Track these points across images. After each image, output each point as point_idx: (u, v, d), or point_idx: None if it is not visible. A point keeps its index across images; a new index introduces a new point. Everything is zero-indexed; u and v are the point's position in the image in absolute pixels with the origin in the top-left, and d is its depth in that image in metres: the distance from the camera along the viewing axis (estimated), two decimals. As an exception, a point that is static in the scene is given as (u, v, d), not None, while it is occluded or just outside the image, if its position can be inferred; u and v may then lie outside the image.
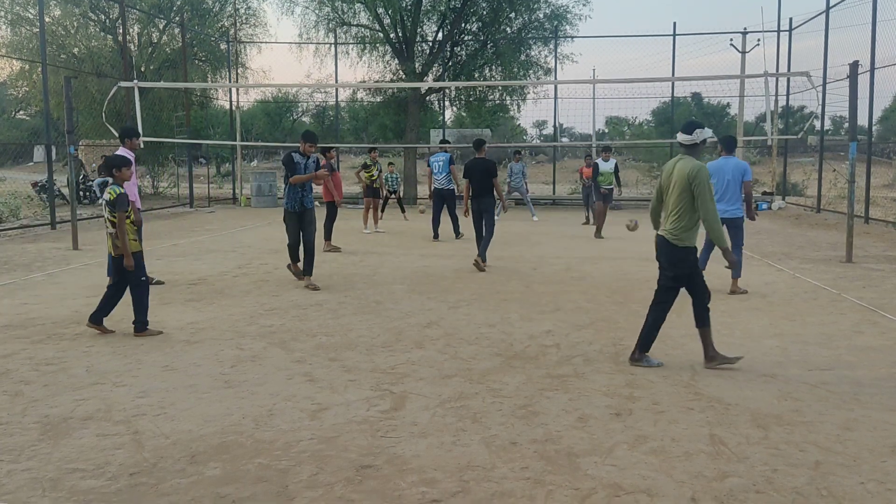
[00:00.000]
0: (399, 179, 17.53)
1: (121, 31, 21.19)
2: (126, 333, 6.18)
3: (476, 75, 23.84)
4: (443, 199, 13.33)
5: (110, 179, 6.29)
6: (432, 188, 13.46)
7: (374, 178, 14.24)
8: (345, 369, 5.20)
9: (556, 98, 23.32)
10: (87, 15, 24.88)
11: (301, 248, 8.59)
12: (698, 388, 4.79)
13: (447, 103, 25.41)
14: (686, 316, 6.98)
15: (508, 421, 4.18)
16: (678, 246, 5.22)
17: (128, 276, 6.18)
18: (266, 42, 28.74)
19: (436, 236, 13.37)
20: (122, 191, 6.19)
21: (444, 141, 15.30)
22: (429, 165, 13.65)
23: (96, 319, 6.21)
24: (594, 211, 17.43)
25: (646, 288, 8.42)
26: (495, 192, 9.91)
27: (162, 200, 22.02)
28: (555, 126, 26.79)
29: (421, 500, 3.24)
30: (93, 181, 20.70)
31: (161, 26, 25.70)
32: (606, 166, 14.40)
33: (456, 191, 13.59)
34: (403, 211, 17.53)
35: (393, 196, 16.91)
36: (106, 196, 6.18)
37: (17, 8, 23.50)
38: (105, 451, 3.75)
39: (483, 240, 9.92)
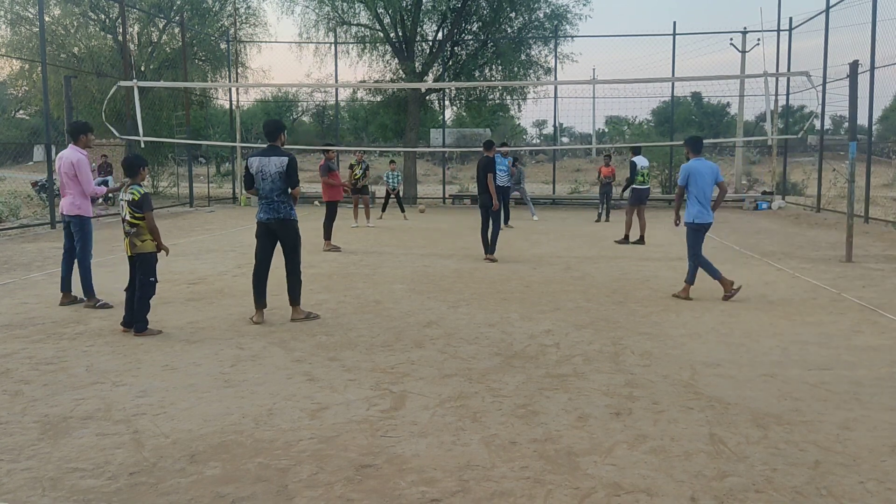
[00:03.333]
0: (399, 178, 17.60)
1: (121, 30, 21.18)
2: (125, 333, 6.19)
3: (476, 75, 23.84)
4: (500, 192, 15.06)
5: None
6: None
7: (357, 177, 15.10)
8: (345, 369, 5.20)
9: (556, 97, 23.35)
10: (86, 14, 24.88)
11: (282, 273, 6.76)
12: (698, 387, 4.80)
13: (447, 103, 25.42)
14: (686, 315, 7.00)
15: (508, 420, 4.18)
16: None
17: (137, 275, 6.21)
18: (266, 41, 28.73)
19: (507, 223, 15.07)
20: (145, 191, 6.27)
21: (503, 144, 16.57)
22: None
23: (128, 324, 6.24)
24: (608, 210, 17.41)
25: (645, 288, 8.43)
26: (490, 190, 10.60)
27: (162, 200, 22.01)
28: (555, 126, 26.82)
29: (421, 499, 3.24)
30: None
31: (161, 26, 25.70)
32: (644, 162, 13.59)
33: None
34: (403, 210, 17.55)
35: (393, 194, 16.95)
36: (128, 196, 6.20)
37: (17, 7, 23.51)
38: (105, 450, 3.75)
39: (490, 237, 10.57)
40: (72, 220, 7.39)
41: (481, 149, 16.46)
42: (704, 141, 8.99)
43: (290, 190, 6.57)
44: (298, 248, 6.75)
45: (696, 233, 7.81)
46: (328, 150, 12.65)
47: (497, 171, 14.65)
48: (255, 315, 6.65)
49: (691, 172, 7.75)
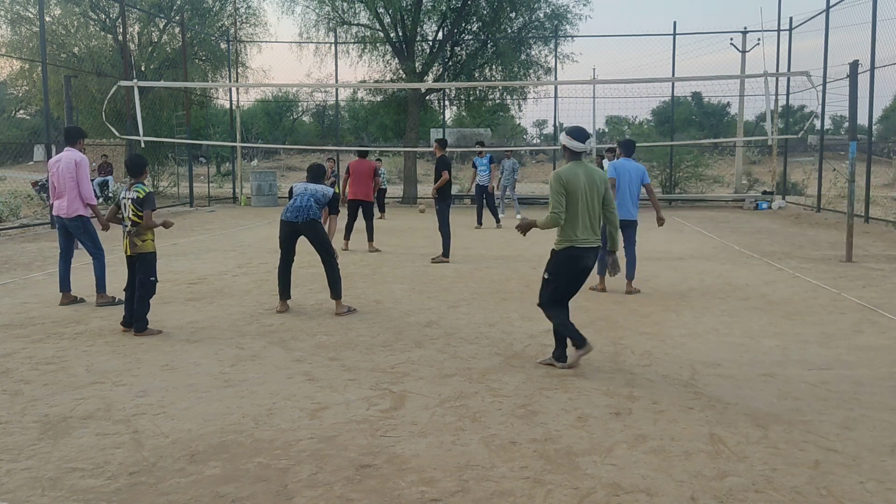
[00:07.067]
0: (384, 176, 17.74)
1: (121, 30, 21.15)
2: (125, 332, 6.19)
3: (476, 75, 23.83)
4: (483, 192, 15.82)
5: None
6: (475, 183, 15.94)
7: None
8: (344, 368, 5.20)
9: (556, 97, 23.31)
10: (87, 14, 24.87)
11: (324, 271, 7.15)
12: (698, 387, 4.80)
13: (447, 103, 25.41)
14: (686, 315, 7.00)
15: (508, 420, 4.18)
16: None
17: (138, 274, 6.21)
18: (266, 41, 28.72)
19: (479, 224, 15.67)
20: (150, 190, 6.31)
21: (479, 143, 17.31)
22: (474, 166, 16.00)
23: (128, 323, 6.23)
24: None
25: (646, 287, 8.43)
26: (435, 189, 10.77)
27: (162, 199, 21.95)
28: (555, 125, 26.78)
29: (420, 499, 3.24)
30: (93, 181, 20.69)
31: (161, 25, 25.69)
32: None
33: (496, 187, 16.17)
34: (383, 210, 17.41)
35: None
36: (132, 194, 6.21)
37: (18, 7, 23.50)
38: (104, 450, 3.75)
39: (449, 239, 10.58)
40: (71, 222, 7.36)
41: (480, 149, 16.46)
42: (705, 140, 9.27)
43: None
44: (326, 241, 7.04)
45: None
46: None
47: (479, 172, 15.80)
48: (279, 305, 7.12)
49: (618, 167, 8.15)
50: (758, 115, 30.47)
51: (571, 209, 5.02)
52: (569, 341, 5.18)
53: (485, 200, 15.85)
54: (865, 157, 16.64)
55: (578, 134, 5.11)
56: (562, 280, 5.15)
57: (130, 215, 6.20)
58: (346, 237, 11.80)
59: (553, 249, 5.20)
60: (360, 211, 11.77)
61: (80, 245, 7.67)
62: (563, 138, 5.16)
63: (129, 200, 6.22)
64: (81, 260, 7.87)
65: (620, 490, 3.31)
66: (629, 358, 5.50)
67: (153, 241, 6.31)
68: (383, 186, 16.98)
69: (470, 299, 7.75)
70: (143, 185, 6.31)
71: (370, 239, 11.73)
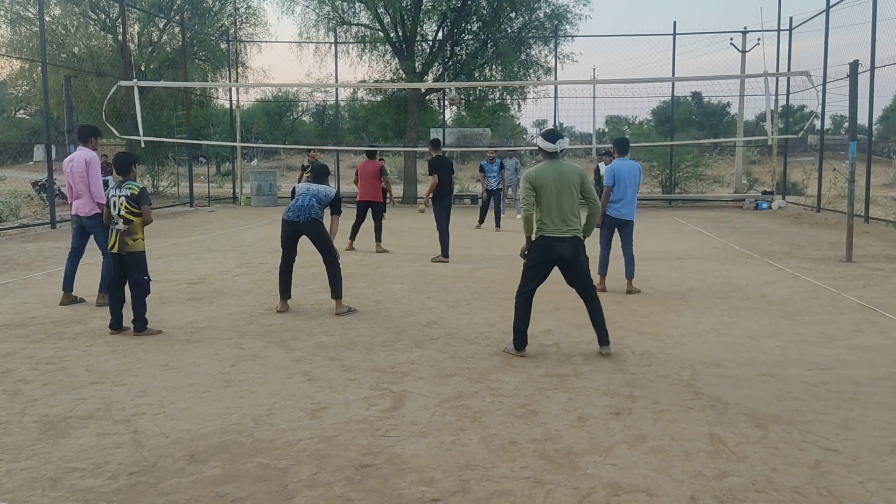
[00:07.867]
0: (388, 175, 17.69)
1: (121, 30, 21.16)
2: (125, 333, 6.18)
3: (476, 75, 23.83)
4: (491, 196, 15.80)
5: (111, 179, 6.33)
6: (484, 189, 15.96)
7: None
8: (344, 368, 5.20)
9: (556, 97, 23.30)
10: (87, 14, 24.88)
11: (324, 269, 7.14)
12: (698, 387, 4.80)
13: (447, 103, 25.41)
14: (686, 315, 7.00)
15: (508, 420, 4.18)
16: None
17: (131, 274, 6.19)
18: (266, 41, 28.74)
19: (480, 224, 15.69)
20: (143, 186, 6.29)
21: (492, 145, 16.65)
22: (482, 170, 15.96)
23: (115, 326, 6.22)
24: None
25: (646, 287, 8.43)
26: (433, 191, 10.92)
27: (162, 199, 22.00)
28: (555, 125, 26.80)
29: (420, 499, 3.24)
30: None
31: (161, 25, 25.71)
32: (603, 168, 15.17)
33: (504, 191, 16.07)
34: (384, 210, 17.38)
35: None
36: (125, 192, 6.17)
37: (17, 7, 23.51)
38: (104, 450, 3.75)
39: (446, 238, 10.67)
40: (89, 220, 7.28)
41: (481, 149, 16.43)
42: (705, 140, 9.32)
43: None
44: (328, 241, 7.03)
45: (607, 225, 8.25)
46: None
47: (487, 177, 15.81)
48: (279, 305, 7.12)
49: (616, 171, 8.10)
50: (758, 115, 30.51)
51: (541, 202, 5.48)
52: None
53: (491, 202, 15.80)
54: (865, 157, 16.64)
55: (549, 136, 5.65)
56: (534, 267, 5.61)
57: (122, 213, 6.16)
58: (352, 237, 11.75)
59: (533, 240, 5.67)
60: (370, 211, 11.66)
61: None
62: (538, 140, 5.70)
63: (123, 198, 6.18)
64: (82, 259, 7.86)
65: (620, 490, 3.31)
66: (629, 358, 5.50)
67: (143, 239, 6.27)
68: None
69: (470, 299, 7.75)
70: (134, 181, 6.28)
71: (378, 239, 11.68)
